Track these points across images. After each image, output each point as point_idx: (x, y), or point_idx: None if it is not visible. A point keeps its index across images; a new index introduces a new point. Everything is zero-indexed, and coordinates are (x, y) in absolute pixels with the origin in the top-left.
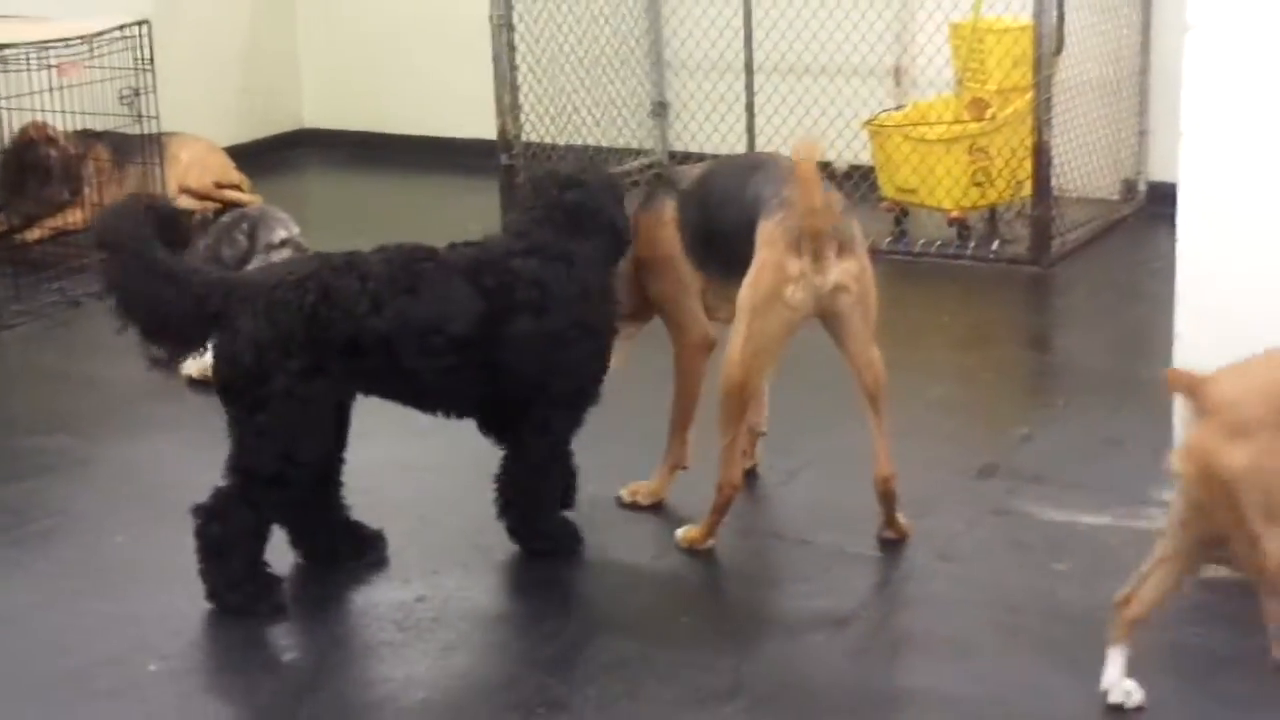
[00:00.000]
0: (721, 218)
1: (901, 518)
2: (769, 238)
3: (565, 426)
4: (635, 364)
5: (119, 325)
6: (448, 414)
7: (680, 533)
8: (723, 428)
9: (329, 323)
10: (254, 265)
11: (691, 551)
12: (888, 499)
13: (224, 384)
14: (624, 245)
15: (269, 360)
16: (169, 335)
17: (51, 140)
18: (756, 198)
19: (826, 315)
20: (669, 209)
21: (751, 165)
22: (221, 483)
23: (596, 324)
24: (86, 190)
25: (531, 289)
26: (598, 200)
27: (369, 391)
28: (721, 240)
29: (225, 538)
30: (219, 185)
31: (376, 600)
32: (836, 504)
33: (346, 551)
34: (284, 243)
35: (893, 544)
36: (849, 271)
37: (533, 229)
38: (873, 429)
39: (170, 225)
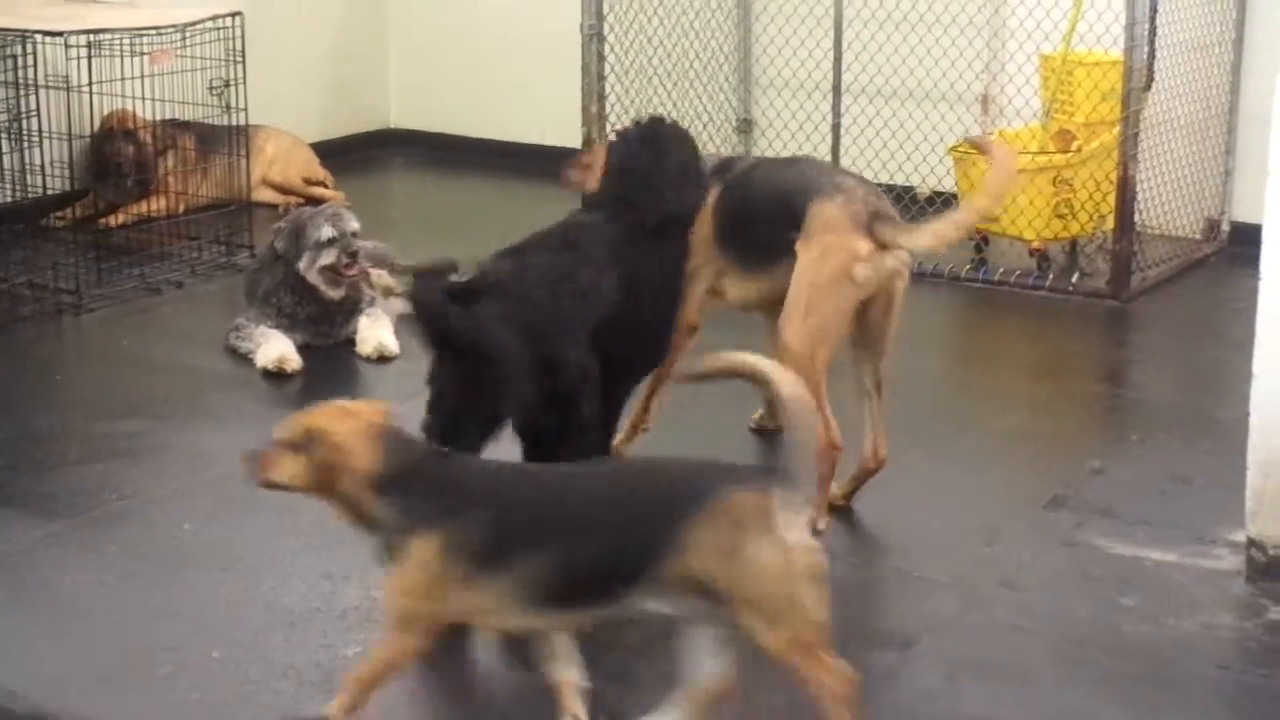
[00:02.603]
0: (758, 203)
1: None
2: (831, 221)
3: None
4: None
5: None
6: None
7: None
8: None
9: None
10: (304, 263)
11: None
12: (862, 479)
13: None
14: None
15: None
16: None
17: (130, 133)
18: (802, 184)
19: (880, 297)
20: (712, 194)
21: (792, 160)
22: None
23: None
24: (170, 179)
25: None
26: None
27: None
28: (752, 225)
29: None
30: (306, 181)
31: None
32: (898, 527)
33: None
34: (331, 240)
35: (954, 572)
36: (902, 258)
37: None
38: (875, 415)
39: None
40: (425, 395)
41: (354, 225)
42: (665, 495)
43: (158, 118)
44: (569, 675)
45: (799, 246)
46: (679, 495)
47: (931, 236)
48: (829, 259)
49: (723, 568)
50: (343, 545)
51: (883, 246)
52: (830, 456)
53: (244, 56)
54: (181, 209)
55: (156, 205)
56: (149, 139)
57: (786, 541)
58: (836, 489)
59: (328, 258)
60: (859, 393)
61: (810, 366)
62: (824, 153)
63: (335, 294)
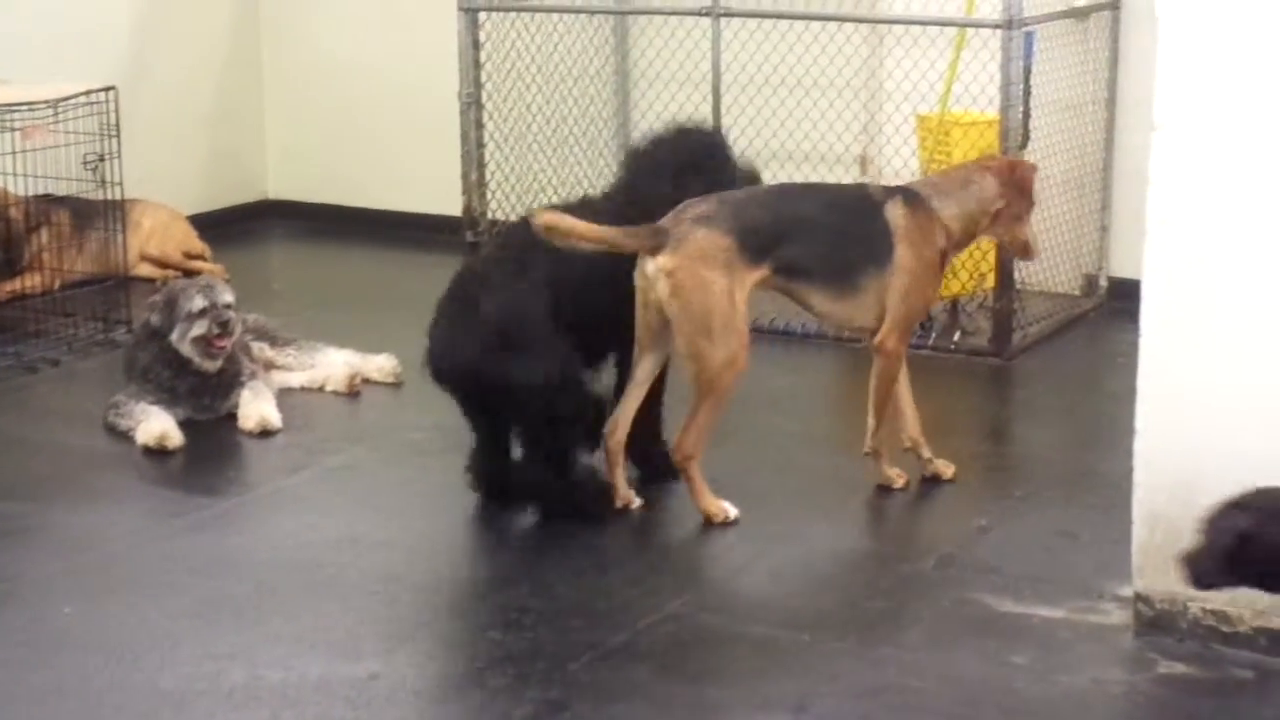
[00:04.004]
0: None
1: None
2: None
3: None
4: None
5: None
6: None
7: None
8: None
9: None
10: (176, 334)
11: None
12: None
13: None
14: None
15: None
16: None
17: None
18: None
19: None
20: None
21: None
22: None
23: None
24: (45, 256)
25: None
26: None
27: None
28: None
29: None
30: (185, 254)
31: (329, 677)
32: (787, 588)
33: None
34: (203, 311)
35: (845, 633)
36: None
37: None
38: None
39: None
40: (310, 469)
41: (227, 297)
42: None
43: (30, 194)
44: None
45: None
46: None
47: None
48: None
49: None
50: (227, 624)
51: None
52: None
53: (119, 130)
54: (57, 285)
55: (30, 282)
56: (19, 216)
57: None
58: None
59: (199, 329)
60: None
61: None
62: None
63: (210, 366)
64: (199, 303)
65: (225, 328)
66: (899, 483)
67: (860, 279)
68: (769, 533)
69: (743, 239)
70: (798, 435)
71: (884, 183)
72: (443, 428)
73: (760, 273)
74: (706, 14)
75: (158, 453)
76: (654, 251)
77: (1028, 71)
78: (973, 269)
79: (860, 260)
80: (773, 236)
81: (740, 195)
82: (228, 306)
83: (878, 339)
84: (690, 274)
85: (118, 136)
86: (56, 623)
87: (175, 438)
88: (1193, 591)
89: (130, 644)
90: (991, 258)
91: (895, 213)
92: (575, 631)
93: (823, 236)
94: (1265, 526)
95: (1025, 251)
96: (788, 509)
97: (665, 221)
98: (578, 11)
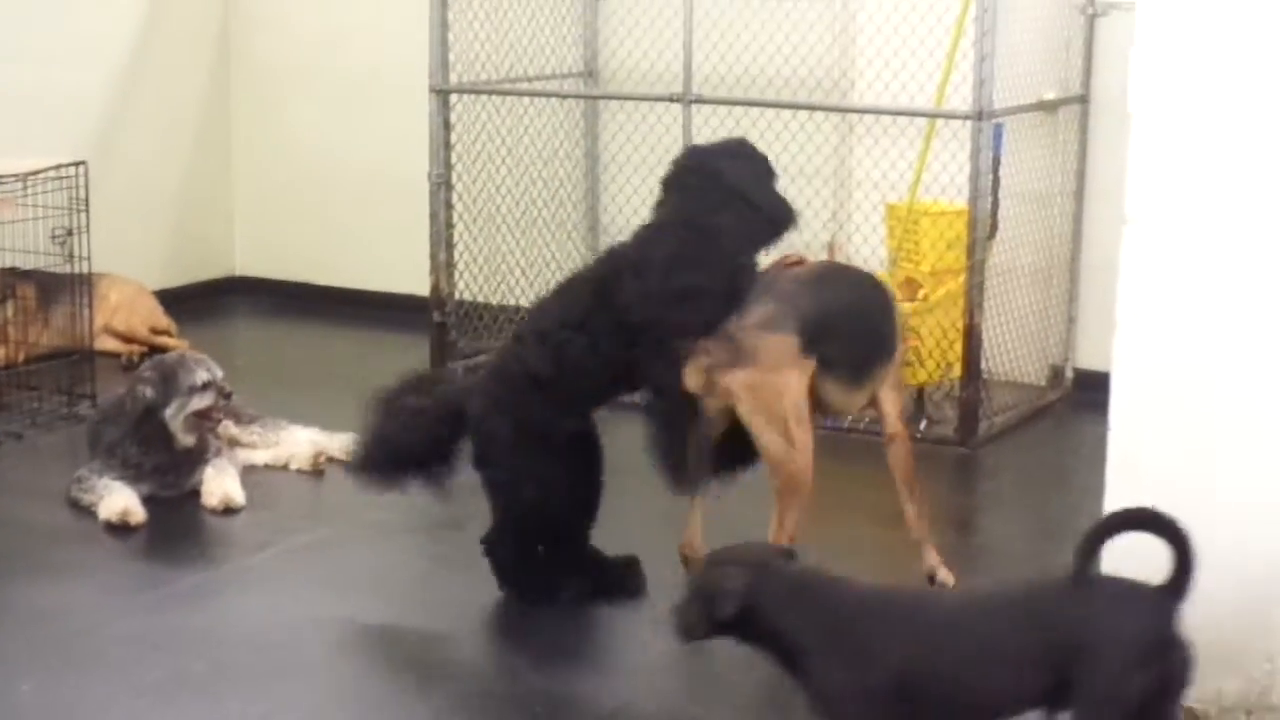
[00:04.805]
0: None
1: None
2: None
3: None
4: None
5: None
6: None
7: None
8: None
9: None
10: (173, 409)
11: None
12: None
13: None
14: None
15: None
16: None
17: None
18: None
19: None
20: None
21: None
22: None
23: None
24: (10, 329)
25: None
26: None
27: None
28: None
29: None
30: (151, 330)
31: None
32: (754, 677)
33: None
34: (206, 385)
35: None
36: None
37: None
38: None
39: None
40: (273, 547)
41: (219, 371)
42: None
43: None
44: None
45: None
46: None
47: None
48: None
49: None
50: (188, 704)
51: None
52: None
53: (87, 205)
54: (21, 358)
55: None
56: None
57: None
58: None
59: (201, 401)
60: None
61: None
62: None
63: (189, 440)
64: (202, 376)
65: (229, 399)
66: (948, 581)
67: (876, 370)
68: None
69: (801, 333)
70: (756, 524)
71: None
72: (406, 507)
73: (811, 364)
74: (677, 100)
75: (120, 529)
76: (731, 368)
77: (997, 162)
78: (939, 358)
79: (877, 352)
80: (819, 328)
81: (789, 287)
82: (223, 380)
83: (894, 428)
84: (770, 385)
85: (87, 211)
86: (14, 700)
87: (138, 514)
88: None
89: None
90: (958, 347)
91: (901, 305)
92: (539, 718)
93: (853, 328)
94: (757, 597)
95: None
96: None
97: (733, 334)
98: (549, 95)
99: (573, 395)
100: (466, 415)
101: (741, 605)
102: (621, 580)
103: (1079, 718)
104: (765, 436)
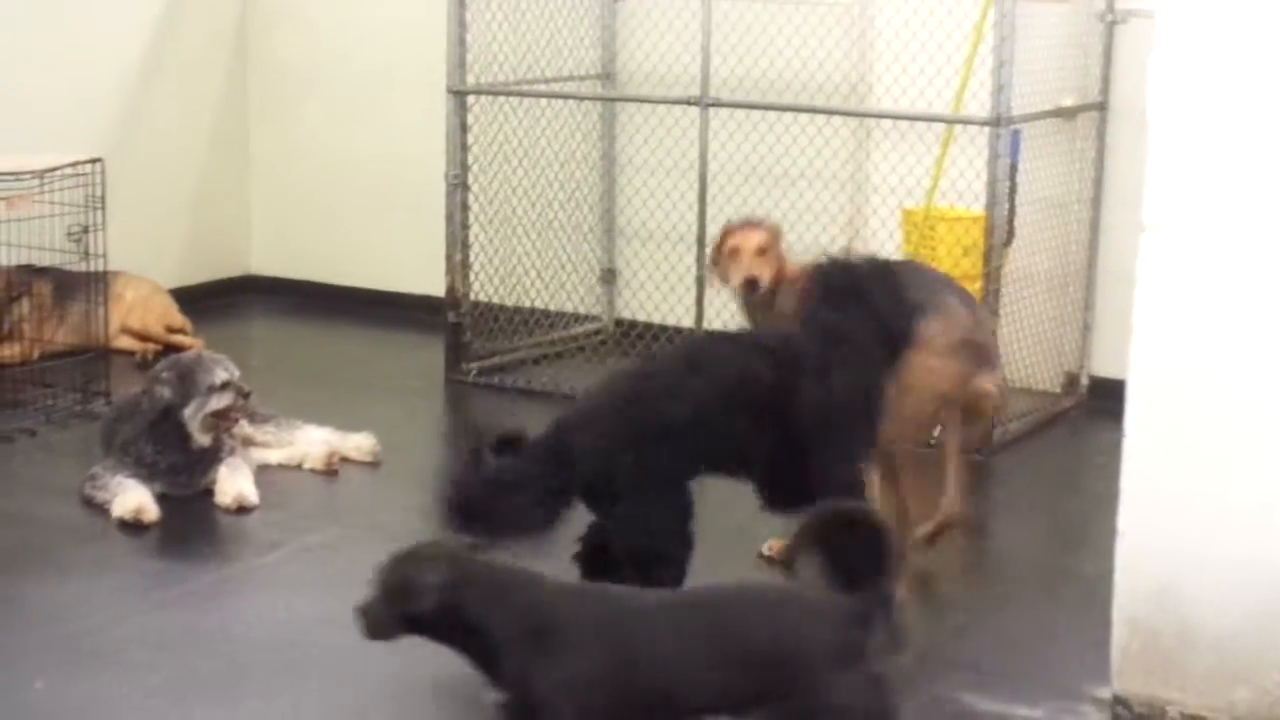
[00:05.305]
0: None
1: None
2: None
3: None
4: None
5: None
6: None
7: None
8: None
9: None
10: (191, 409)
11: None
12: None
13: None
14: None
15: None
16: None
17: None
18: None
19: None
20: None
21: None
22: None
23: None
24: (25, 326)
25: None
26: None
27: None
28: None
29: None
30: (166, 328)
31: None
32: None
33: None
34: (225, 384)
35: None
36: None
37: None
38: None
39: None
40: (286, 547)
41: (236, 370)
42: None
43: (13, 263)
44: None
45: None
46: None
47: None
48: None
49: None
50: (199, 703)
51: None
52: None
53: (104, 203)
54: (36, 355)
55: (10, 352)
56: (1, 285)
57: None
58: None
59: (220, 401)
60: None
61: None
62: (688, 303)
63: (206, 440)
64: (220, 375)
65: (248, 399)
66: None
67: None
68: None
69: None
70: (774, 531)
71: None
72: (419, 509)
73: None
74: (694, 103)
75: (134, 526)
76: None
77: (1014, 169)
78: None
79: None
80: None
81: (939, 278)
82: (240, 379)
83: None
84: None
85: (103, 209)
86: (26, 697)
87: (151, 512)
88: (1173, 695)
89: None
90: None
91: None
92: None
93: None
94: (453, 595)
95: None
96: None
97: (973, 336)
98: (566, 97)
99: (698, 453)
100: (574, 451)
101: (439, 600)
102: None
103: None
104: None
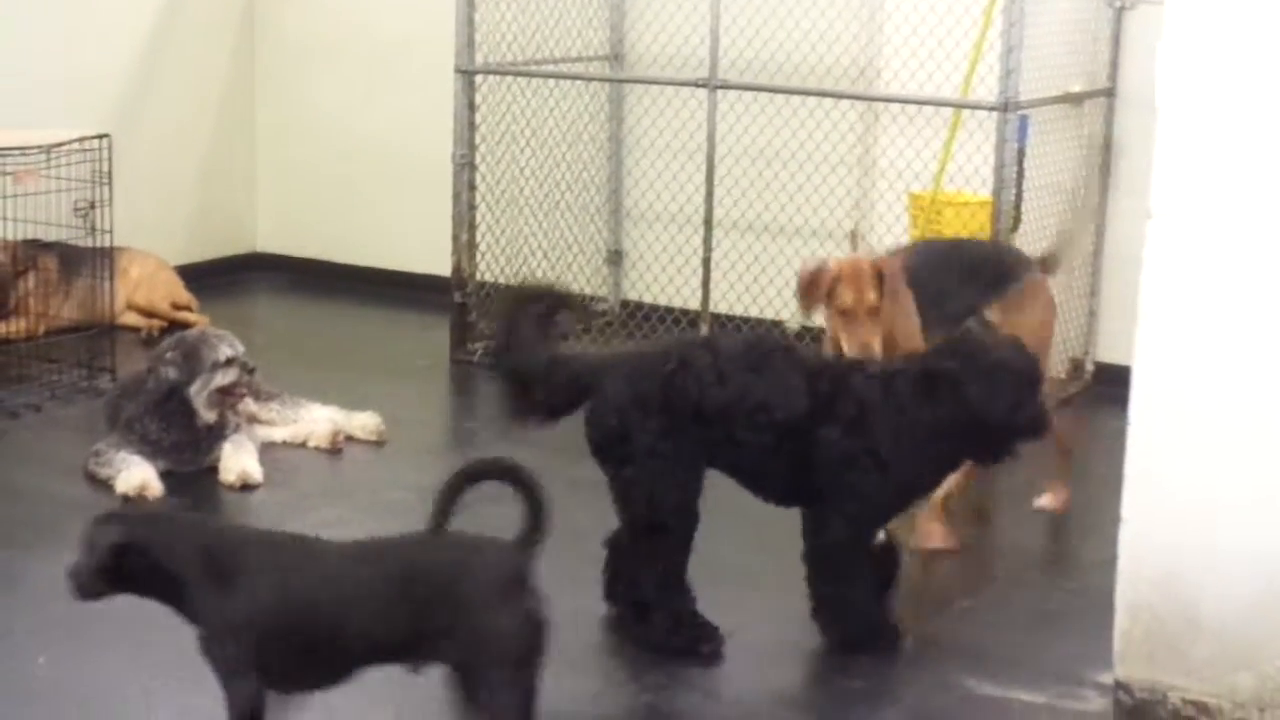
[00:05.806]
0: None
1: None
2: None
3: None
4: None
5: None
6: (766, 496)
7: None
8: None
9: (683, 390)
10: (197, 385)
11: None
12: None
13: (595, 445)
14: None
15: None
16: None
17: None
18: None
19: None
20: None
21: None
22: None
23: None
24: (31, 300)
25: (851, 405)
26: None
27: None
28: None
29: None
30: (172, 305)
31: None
32: (775, 669)
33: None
34: (230, 361)
35: (825, 713)
36: None
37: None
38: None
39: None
40: (289, 525)
41: (240, 346)
42: None
43: (19, 238)
44: None
45: None
46: None
47: None
48: None
49: None
50: (204, 680)
51: None
52: None
53: (110, 178)
54: (41, 330)
55: (15, 327)
56: (7, 260)
57: None
58: None
59: (226, 377)
60: None
61: None
62: (695, 285)
63: (211, 417)
64: (225, 352)
65: (253, 375)
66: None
67: None
68: (747, 609)
69: None
70: (776, 514)
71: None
72: (423, 488)
73: None
74: (703, 85)
75: (138, 503)
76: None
77: (1021, 154)
78: None
79: None
80: None
81: None
82: (245, 356)
83: None
84: None
85: (109, 184)
86: (29, 672)
87: (155, 488)
88: (1175, 680)
89: (104, 697)
90: None
91: None
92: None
93: None
94: (136, 535)
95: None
96: (766, 586)
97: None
98: (574, 78)
99: (716, 445)
100: (604, 391)
101: (117, 552)
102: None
103: (451, 660)
104: None
